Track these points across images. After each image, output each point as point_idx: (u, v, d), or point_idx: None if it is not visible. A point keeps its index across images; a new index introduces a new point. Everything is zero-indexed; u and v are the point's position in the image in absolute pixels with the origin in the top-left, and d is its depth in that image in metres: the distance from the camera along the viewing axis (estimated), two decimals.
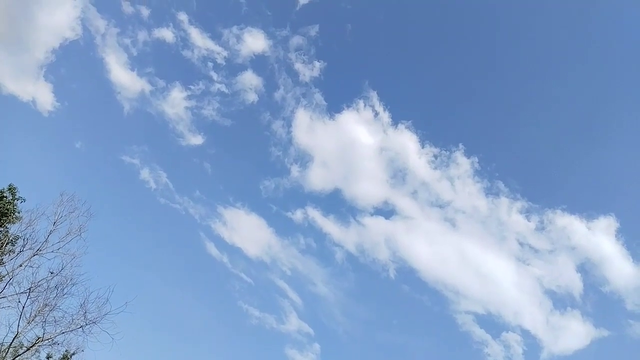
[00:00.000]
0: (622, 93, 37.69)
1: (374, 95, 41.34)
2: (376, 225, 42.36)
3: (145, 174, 46.80)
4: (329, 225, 43.43)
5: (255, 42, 43.15)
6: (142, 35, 45.27)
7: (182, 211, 46.66)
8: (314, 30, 41.90)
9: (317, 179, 43.27)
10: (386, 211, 42.09)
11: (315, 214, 43.72)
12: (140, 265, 45.73)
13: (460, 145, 40.08)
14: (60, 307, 16.58)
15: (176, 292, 45.96)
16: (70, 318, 16.23)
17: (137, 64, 46.01)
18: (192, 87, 45.08)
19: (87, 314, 16.04)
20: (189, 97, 45.23)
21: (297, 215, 44.22)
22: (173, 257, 48.27)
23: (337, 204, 43.44)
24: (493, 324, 39.60)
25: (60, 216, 18.13)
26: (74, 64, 46.80)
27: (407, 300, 42.27)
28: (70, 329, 16.12)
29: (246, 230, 45.83)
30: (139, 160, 46.84)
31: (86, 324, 16.07)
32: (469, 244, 40.17)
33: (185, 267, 47.90)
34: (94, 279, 17.98)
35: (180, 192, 46.67)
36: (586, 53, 38.37)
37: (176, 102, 45.50)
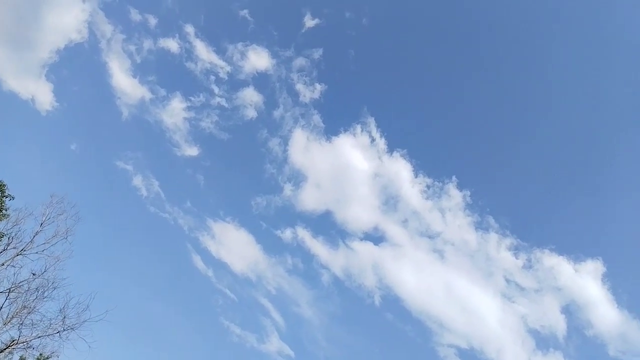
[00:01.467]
0: (614, 137, 38.32)
1: (371, 122, 41.76)
2: (365, 250, 42.28)
3: (137, 180, 46.60)
4: (318, 247, 43.26)
5: (259, 59, 43.63)
6: (147, 44, 45.67)
7: (171, 221, 46.36)
8: (317, 54, 42.49)
9: (310, 199, 43.26)
10: (376, 237, 42.07)
11: (304, 234, 43.59)
12: (125, 273, 45.11)
13: (454, 178, 40.39)
14: (39, 310, 16.28)
15: (158, 303, 45.25)
16: (48, 322, 15.92)
17: (139, 71, 46.28)
18: (192, 98, 45.32)
19: (66, 319, 15.75)
20: (188, 108, 45.42)
21: (287, 234, 44.05)
22: (158, 267, 47.70)
23: (328, 226, 43.37)
24: (475, 359, 39.27)
25: (48, 217, 17.95)
26: (76, 66, 47.00)
27: (391, 328, 41.90)
28: (47, 334, 15.80)
29: (234, 246, 45.52)
30: (133, 167, 46.70)
31: (64, 330, 15.77)
32: (456, 277, 40.10)
33: (170, 278, 47.27)
34: (76, 284, 17.69)
35: (171, 201, 46.44)
36: (578, 96, 39.08)
37: (175, 112, 45.68)
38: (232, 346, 44.96)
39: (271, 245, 44.78)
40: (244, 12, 43.50)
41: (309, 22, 42.07)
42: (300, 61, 42.94)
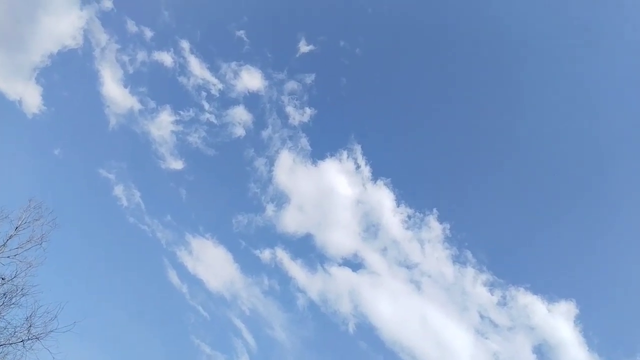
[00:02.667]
0: (594, 181, 39.24)
1: (358, 149, 42.20)
2: (342, 276, 42.14)
3: (119, 190, 46.17)
4: (296, 270, 43.02)
5: (251, 80, 44.05)
6: (141, 55, 45.87)
7: (150, 233, 45.81)
8: (309, 79, 43.08)
9: (291, 221, 43.19)
10: (354, 263, 42.02)
11: (283, 256, 43.35)
12: (97, 284, 44.24)
13: (435, 210, 40.79)
14: (4, 317, 15.92)
15: (128, 316, 44.32)
16: (13, 330, 15.55)
17: (131, 81, 46.34)
18: (181, 112, 45.40)
19: (31, 328, 15.41)
20: (176, 122, 45.43)
21: (265, 254, 43.78)
22: (132, 279, 46.86)
23: (307, 249, 43.22)
24: None
25: (24, 222, 17.73)
26: (68, 71, 46.90)
27: (364, 357, 41.48)
28: (11, 342, 15.40)
29: (211, 263, 45.03)
30: (115, 176, 46.31)
31: (29, 339, 15.41)
32: (431, 309, 40.11)
33: (143, 292, 46.41)
34: (46, 292, 17.33)
35: (151, 214, 45.97)
36: (559, 139, 40.13)
37: (163, 124, 45.63)
38: None
39: (249, 264, 44.44)
40: (241, 33, 44.12)
41: (304, 47, 42.81)
42: (292, 85, 43.51)
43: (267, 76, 43.86)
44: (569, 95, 40.27)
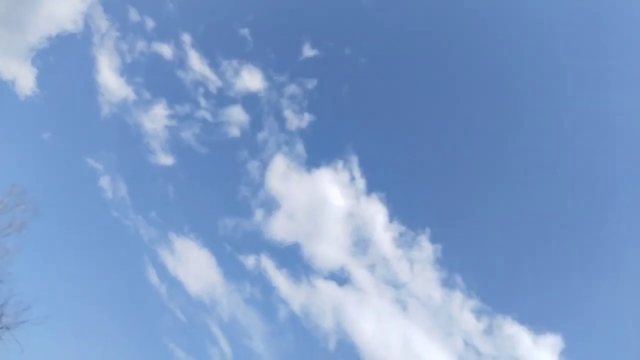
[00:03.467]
0: (588, 216, 39.03)
1: (354, 160, 41.51)
2: (327, 290, 41.14)
3: (105, 181, 44.87)
4: (280, 279, 41.93)
5: (251, 80, 43.27)
6: (141, 45, 44.89)
7: (132, 229, 44.44)
8: (311, 84, 42.42)
9: (280, 228, 42.20)
10: (341, 278, 41.07)
11: (268, 264, 42.26)
12: (74, 277, 42.75)
13: (428, 230, 40.10)
14: None
15: (102, 313, 42.77)
16: None
17: (128, 71, 45.29)
18: (177, 107, 44.38)
19: (2, 317, 14.39)
20: (171, 116, 44.38)
21: (250, 260, 42.64)
22: (111, 275, 45.39)
23: (293, 259, 42.20)
24: None
25: (4, 207, 16.80)
26: (65, 55, 45.77)
27: None
28: None
29: (193, 265, 43.73)
30: (103, 167, 45.03)
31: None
32: (415, 332, 39.22)
33: (120, 289, 44.91)
34: (21, 281, 16.32)
35: (136, 209, 44.63)
36: (551, 174, 39.97)
37: (157, 118, 44.53)
38: None
39: (232, 270, 43.22)
40: (245, 31, 43.38)
41: (308, 51, 42.17)
42: (292, 88, 42.80)
43: (268, 77, 43.16)
44: (566, 127, 40.21)
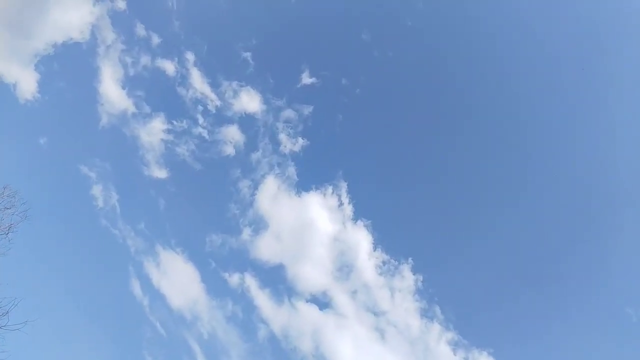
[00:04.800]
0: (568, 255, 39.65)
1: (343, 186, 42.26)
2: (308, 313, 41.37)
3: (97, 190, 45.32)
4: (262, 299, 42.15)
5: (250, 101, 44.25)
6: (145, 60, 45.93)
7: (120, 239, 44.73)
8: (307, 110, 43.45)
9: (266, 248, 42.62)
10: (322, 302, 41.36)
11: (252, 283, 42.53)
12: (56, 283, 42.86)
13: (410, 260, 40.66)
14: None
15: (83, 322, 42.80)
16: None
17: (130, 84, 46.21)
18: (175, 122, 45.18)
19: None
20: (168, 131, 45.15)
21: (234, 278, 42.91)
22: (94, 283, 45.45)
23: (277, 280, 42.50)
24: None
25: None
26: (69, 63, 46.67)
27: None
28: None
29: (177, 279, 43.93)
30: (96, 175, 45.53)
31: None
32: None
33: (102, 299, 44.91)
34: (3, 285, 16.59)
35: (125, 219, 45.00)
36: (541, 214, 40.71)
37: (154, 131, 45.28)
38: None
39: (215, 286, 43.42)
40: (247, 55, 44.59)
41: (306, 79, 43.35)
42: (289, 113, 43.79)
43: (265, 100, 44.17)
44: (548, 166, 41.12)
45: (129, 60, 46.04)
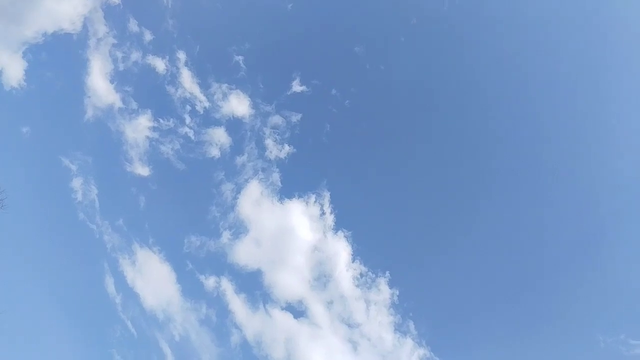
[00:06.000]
0: (547, 275, 39.91)
1: (326, 195, 42.26)
2: (283, 321, 41.15)
3: (77, 183, 44.80)
4: (237, 304, 41.85)
5: (239, 105, 44.13)
6: (135, 56, 45.62)
7: (97, 234, 44.19)
8: (296, 118, 43.48)
9: (244, 253, 42.38)
10: (298, 311, 41.18)
11: (228, 287, 42.22)
12: (29, 276, 42.19)
13: (388, 274, 40.70)
14: None
15: (52, 316, 42.13)
16: None
17: (119, 78, 45.86)
18: (161, 120, 44.88)
19: None
20: (154, 129, 44.82)
21: (210, 282, 42.55)
22: (68, 278, 44.83)
23: (254, 286, 42.26)
24: None
25: None
26: (58, 53, 46.23)
27: None
28: None
29: (152, 278, 43.44)
30: (77, 168, 45.05)
31: None
32: None
33: (74, 294, 44.28)
34: None
35: (104, 214, 44.50)
36: (515, 232, 41.00)
37: (140, 128, 44.92)
38: None
39: (191, 288, 43.02)
40: (239, 58, 44.53)
41: (297, 87, 43.40)
42: (277, 119, 43.76)
43: (254, 105, 44.11)
44: (529, 186, 41.46)
45: (119, 55, 45.77)
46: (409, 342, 39.24)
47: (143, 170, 44.65)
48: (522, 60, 41.30)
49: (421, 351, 38.79)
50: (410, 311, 40.01)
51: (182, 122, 44.54)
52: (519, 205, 40.83)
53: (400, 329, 39.72)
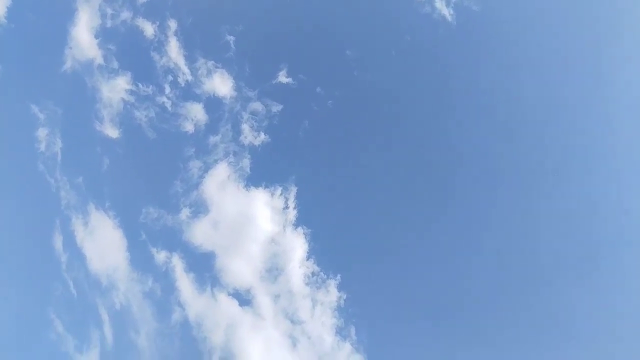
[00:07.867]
0: (507, 287, 40.56)
1: (293, 190, 42.23)
2: (227, 306, 40.94)
3: (42, 133, 43.63)
4: (184, 283, 41.41)
5: (221, 84, 43.67)
6: (125, 15, 44.62)
7: (53, 189, 43.07)
8: (276, 108, 43.29)
9: (201, 233, 41.99)
10: (244, 299, 41.05)
11: (178, 264, 41.74)
12: None
13: (339, 277, 40.97)
14: None
15: None
16: None
17: (104, 34, 44.76)
18: (140, 85, 44.02)
19: None
20: (131, 92, 43.94)
21: (161, 256, 41.97)
22: (14, 227, 43.62)
23: (204, 267, 41.90)
24: None
25: None
26: None
27: None
28: None
29: (102, 242, 42.58)
30: (45, 118, 43.86)
31: None
32: None
33: (19, 244, 43.07)
34: None
35: (64, 170, 43.40)
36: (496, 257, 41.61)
37: (117, 89, 43.94)
38: (46, 343, 40.82)
39: (140, 259, 42.33)
40: (230, 38, 44.04)
41: (283, 77, 43.20)
42: (257, 106, 43.49)
43: (237, 88, 43.73)
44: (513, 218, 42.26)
45: (109, 11, 44.71)
46: (347, 347, 39.63)
47: (112, 132, 43.76)
48: (514, 103, 42.16)
49: (358, 357, 39.25)
50: (354, 317, 40.40)
51: (162, 91, 43.84)
52: (487, 217, 41.36)
53: (341, 332, 40.09)
